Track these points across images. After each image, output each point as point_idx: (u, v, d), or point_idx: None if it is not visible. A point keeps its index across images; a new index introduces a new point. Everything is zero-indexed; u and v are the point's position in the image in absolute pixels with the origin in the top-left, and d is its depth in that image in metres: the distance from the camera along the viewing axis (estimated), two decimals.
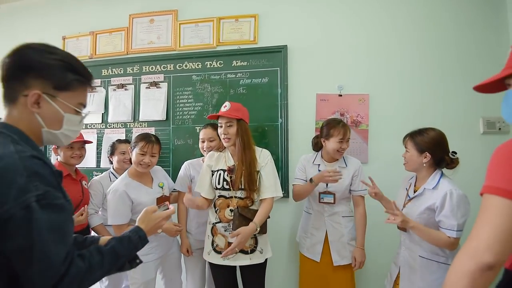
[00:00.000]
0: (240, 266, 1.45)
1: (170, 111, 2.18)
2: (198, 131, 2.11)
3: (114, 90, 2.26)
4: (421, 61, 1.88)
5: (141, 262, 0.82)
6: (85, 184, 1.75)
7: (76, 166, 1.74)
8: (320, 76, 1.99)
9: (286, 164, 1.98)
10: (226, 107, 1.44)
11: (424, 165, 1.25)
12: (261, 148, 1.52)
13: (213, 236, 1.42)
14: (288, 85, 2.00)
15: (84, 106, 0.75)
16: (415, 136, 1.28)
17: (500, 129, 1.79)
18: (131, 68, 2.27)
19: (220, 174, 1.44)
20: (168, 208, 0.94)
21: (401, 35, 1.91)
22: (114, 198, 1.39)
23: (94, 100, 2.28)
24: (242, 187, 1.39)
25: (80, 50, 2.37)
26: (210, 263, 1.46)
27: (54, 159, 1.74)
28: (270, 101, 2.03)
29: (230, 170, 1.41)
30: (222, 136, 1.43)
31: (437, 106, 1.85)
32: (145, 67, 2.24)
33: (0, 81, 0.67)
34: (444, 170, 1.27)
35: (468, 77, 1.79)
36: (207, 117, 1.71)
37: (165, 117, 2.17)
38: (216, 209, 1.44)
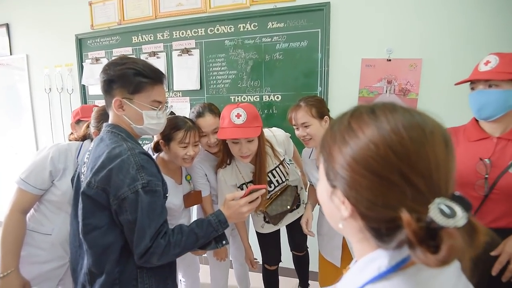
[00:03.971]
0: (287, 224, 1.51)
1: (204, 79, 2.12)
2: (232, 101, 2.08)
3: (146, 58, 2.21)
4: (486, 22, 1.60)
5: (227, 243, 0.90)
6: None
7: None
8: (367, 38, 1.78)
9: None
10: (240, 117, 1.10)
11: None
12: (271, 133, 1.39)
13: (263, 213, 1.45)
14: (330, 49, 1.83)
15: (160, 101, 0.88)
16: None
17: None
18: (161, 34, 2.17)
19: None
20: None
21: None
22: None
23: None
24: (277, 183, 1.37)
25: (108, 16, 2.29)
26: (261, 233, 1.51)
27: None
28: (309, 67, 1.89)
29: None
30: (238, 154, 1.18)
31: None
32: (175, 33, 2.14)
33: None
34: None
35: None
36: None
37: (199, 86, 2.13)
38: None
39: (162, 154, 1.29)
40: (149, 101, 0.86)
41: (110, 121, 0.88)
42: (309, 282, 1.86)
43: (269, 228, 1.48)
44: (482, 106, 0.97)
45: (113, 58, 0.87)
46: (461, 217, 0.29)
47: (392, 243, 0.35)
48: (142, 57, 2.23)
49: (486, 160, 0.98)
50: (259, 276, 1.90)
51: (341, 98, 1.87)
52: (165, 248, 0.76)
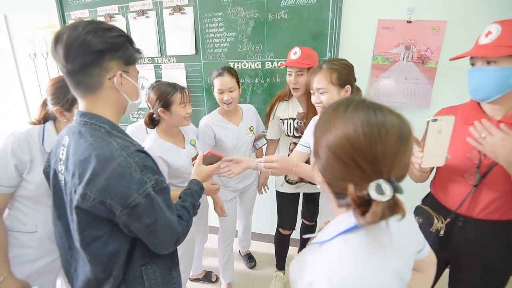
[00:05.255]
0: (305, 193, 1.68)
1: (199, 43, 1.91)
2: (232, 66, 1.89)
3: (135, 18, 1.97)
4: None
5: (199, 207, 0.94)
6: None
7: None
8: None
9: None
10: (296, 54, 1.37)
11: None
12: None
13: None
14: (343, 7, 1.60)
15: (138, 72, 0.79)
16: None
17: None
18: None
19: (290, 122, 1.50)
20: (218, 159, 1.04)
21: None
22: None
23: None
24: None
25: None
26: (281, 193, 1.64)
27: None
28: (317, 29, 1.68)
29: (301, 117, 1.47)
30: (291, 85, 1.42)
31: None
32: None
33: (75, 73, 0.67)
34: None
35: None
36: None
37: (195, 51, 1.93)
38: (289, 153, 1.53)
39: (159, 127, 1.32)
40: (137, 72, 0.77)
41: (83, 108, 0.71)
42: None
43: (288, 189, 1.58)
44: (477, 86, 0.83)
45: (78, 21, 0.66)
46: (386, 195, 0.42)
47: (345, 203, 0.50)
48: (130, 16, 1.99)
49: None
50: (260, 244, 1.98)
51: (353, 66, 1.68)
52: (185, 227, 0.78)
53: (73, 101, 0.98)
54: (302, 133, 1.42)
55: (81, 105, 0.72)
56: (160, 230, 0.70)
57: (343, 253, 0.48)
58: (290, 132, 1.51)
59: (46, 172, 0.83)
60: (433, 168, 0.98)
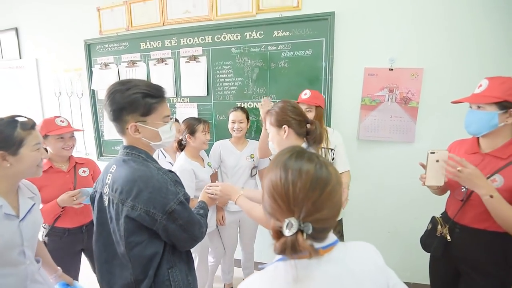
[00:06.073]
0: None
1: (211, 86, 2.19)
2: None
3: (155, 64, 2.27)
4: (487, 34, 1.65)
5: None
6: (84, 172, 1.54)
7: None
8: (370, 47, 1.84)
9: None
10: (306, 94, 1.67)
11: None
12: (332, 129, 1.73)
13: None
14: (334, 58, 1.89)
15: (169, 115, 0.95)
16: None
17: None
18: (168, 41, 2.23)
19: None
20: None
21: (465, 1, 1.67)
22: (185, 175, 1.55)
23: (136, 75, 2.33)
24: None
25: (116, 21, 2.34)
26: None
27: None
28: (313, 75, 1.96)
29: None
30: None
31: None
32: (183, 40, 2.19)
33: (111, 121, 0.91)
34: None
35: None
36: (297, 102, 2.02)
37: (206, 93, 2.19)
38: None
39: (185, 150, 1.70)
40: (161, 118, 0.91)
41: (125, 143, 0.93)
42: None
43: None
44: (469, 124, 1.09)
45: (111, 85, 0.88)
46: (290, 231, 0.48)
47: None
48: (151, 63, 2.29)
49: None
50: None
51: (344, 106, 1.94)
52: (206, 225, 1.00)
53: (20, 144, 0.91)
54: None
55: (124, 141, 0.94)
56: (191, 226, 0.91)
57: (264, 276, 0.56)
58: None
59: (92, 197, 1.00)
60: (445, 189, 1.24)
